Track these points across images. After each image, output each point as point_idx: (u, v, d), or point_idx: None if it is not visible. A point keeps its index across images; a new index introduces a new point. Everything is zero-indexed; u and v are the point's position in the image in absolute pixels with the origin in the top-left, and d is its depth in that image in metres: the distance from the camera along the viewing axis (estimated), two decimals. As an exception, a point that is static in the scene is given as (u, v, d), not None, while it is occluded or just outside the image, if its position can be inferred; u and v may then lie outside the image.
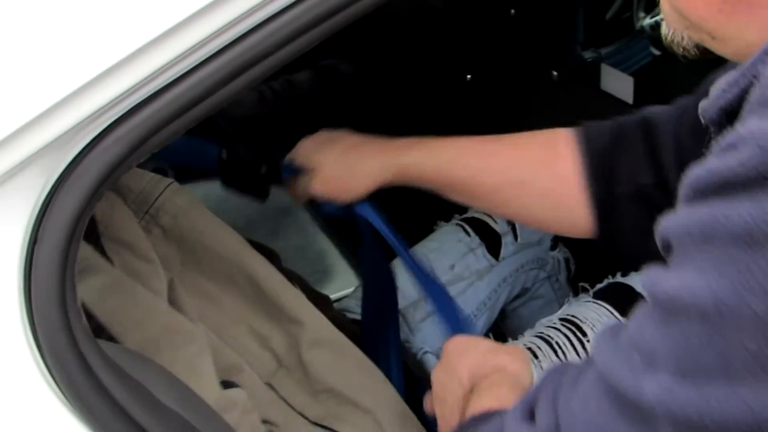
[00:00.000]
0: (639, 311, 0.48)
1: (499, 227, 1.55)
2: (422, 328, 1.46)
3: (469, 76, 1.75)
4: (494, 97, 1.73)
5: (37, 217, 0.62)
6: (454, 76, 1.77)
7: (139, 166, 1.04)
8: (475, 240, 1.54)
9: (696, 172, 0.44)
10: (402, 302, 1.46)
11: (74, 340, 0.63)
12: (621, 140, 1.04)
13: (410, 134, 1.96)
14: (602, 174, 1.04)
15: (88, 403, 0.64)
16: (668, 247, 0.46)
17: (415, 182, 1.13)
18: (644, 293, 0.47)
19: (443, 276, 1.49)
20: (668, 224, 0.46)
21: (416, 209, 1.67)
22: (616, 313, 1.33)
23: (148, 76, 0.62)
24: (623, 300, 1.36)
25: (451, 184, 1.12)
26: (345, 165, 1.13)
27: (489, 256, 1.53)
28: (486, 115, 1.79)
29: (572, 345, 1.30)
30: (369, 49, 2.00)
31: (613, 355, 0.48)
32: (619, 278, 1.42)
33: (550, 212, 1.10)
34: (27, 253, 0.62)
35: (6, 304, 0.62)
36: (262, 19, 0.66)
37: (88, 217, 0.64)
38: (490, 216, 1.57)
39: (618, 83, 1.39)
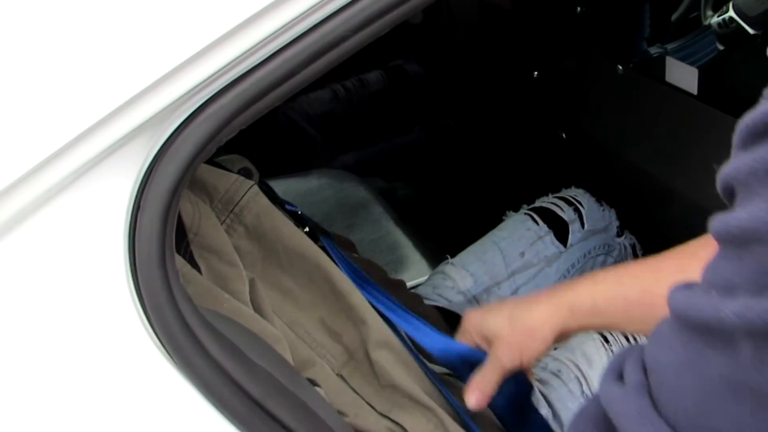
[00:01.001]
0: (708, 263, 0.51)
1: (566, 215, 1.59)
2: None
3: (536, 73, 1.79)
4: (560, 93, 1.77)
5: (139, 187, 0.69)
6: (521, 73, 1.82)
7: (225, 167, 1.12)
8: (543, 228, 1.58)
9: (750, 118, 0.47)
10: (475, 288, 1.52)
11: (173, 297, 0.70)
12: None
13: (479, 130, 2.01)
14: None
15: (185, 354, 0.71)
16: (731, 193, 0.49)
17: (589, 318, 1.04)
18: (713, 237, 0.50)
19: (514, 263, 1.55)
20: (730, 171, 0.49)
21: (485, 200, 1.73)
22: (687, 299, 1.35)
23: (234, 60, 0.69)
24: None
25: (626, 308, 1.03)
26: (520, 321, 1.05)
27: (557, 243, 1.57)
28: (553, 110, 1.83)
29: None
30: (438, 49, 2.06)
31: (689, 298, 0.51)
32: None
33: None
34: (131, 219, 0.69)
35: (113, 265, 0.70)
36: (337, 8, 0.72)
37: (185, 186, 0.71)
38: (557, 204, 1.61)
39: (683, 75, 1.41)
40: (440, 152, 2.07)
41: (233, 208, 1.09)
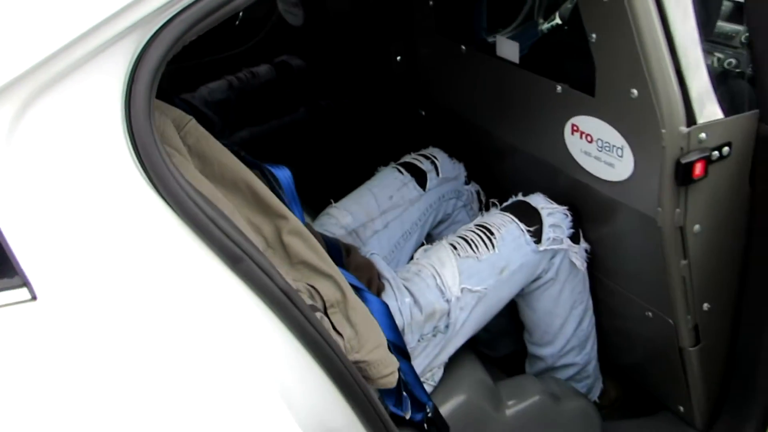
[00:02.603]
0: None
1: (425, 166, 2.01)
2: (370, 242, 1.90)
3: (399, 58, 2.20)
4: (418, 70, 2.18)
5: (133, 66, 1.03)
6: (388, 59, 2.22)
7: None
8: (407, 176, 1.99)
9: None
10: (354, 223, 1.90)
11: (155, 140, 1.04)
12: None
13: (354, 108, 2.40)
14: None
15: (163, 179, 1.04)
16: None
17: None
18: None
19: (384, 204, 1.94)
20: None
21: (361, 161, 2.12)
22: (516, 220, 1.78)
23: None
24: (522, 211, 1.80)
25: None
26: None
27: (418, 188, 1.98)
28: (413, 85, 2.23)
29: (483, 241, 1.74)
30: (317, 44, 2.46)
31: None
32: (521, 197, 1.87)
33: None
34: (127, 88, 1.03)
35: (113, 120, 1.03)
36: None
37: (163, 68, 1.05)
38: (417, 159, 2.03)
39: (507, 48, 1.84)
40: (322, 127, 2.47)
41: (179, 132, 1.39)
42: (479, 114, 2.01)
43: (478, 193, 2.10)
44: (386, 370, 1.44)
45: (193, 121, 1.41)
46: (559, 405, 1.80)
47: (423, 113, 2.24)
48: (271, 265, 1.14)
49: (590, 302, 1.90)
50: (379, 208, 1.94)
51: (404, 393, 1.51)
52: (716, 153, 1.51)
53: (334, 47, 2.40)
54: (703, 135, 1.48)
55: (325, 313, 1.42)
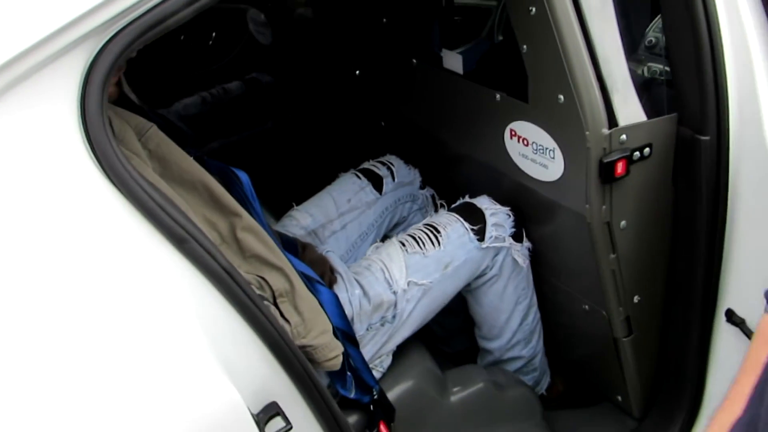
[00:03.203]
0: None
1: (381, 172, 2.14)
2: (328, 242, 2.03)
3: (357, 72, 2.34)
4: (376, 84, 2.32)
5: (87, 70, 1.16)
6: (346, 73, 2.36)
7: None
8: (364, 181, 2.13)
9: None
10: (313, 224, 2.03)
11: (107, 134, 1.17)
12: None
13: (318, 120, 2.55)
14: None
15: (117, 172, 1.17)
16: None
17: None
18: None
19: (343, 207, 2.08)
20: None
21: (323, 168, 2.25)
22: (461, 219, 1.91)
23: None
24: (468, 211, 1.94)
25: None
26: None
27: (375, 192, 2.12)
28: (370, 98, 2.36)
29: (429, 239, 1.87)
30: (284, 62, 2.60)
31: None
32: (467, 199, 2.00)
33: None
34: (82, 89, 1.16)
35: (69, 116, 1.16)
36: None
37: (113, 72, 1.18)
38: (375, 165, 2.16)
39: (452, 61, 1.98)
40: (288, 137, 2.61)
41: (141, 138, 1.50)
42: (431, 123, 2.15)
43: (432, 197, 2.23)
44: (331, 353, 1.57)
45: (154, 127, 1.53)
46: (502, 393, 1.92)
47: (383, 124, 2.37)
48: (213, 246, 1.27)
49: (534, 298, 2.02)
50: (338, 210, 2.07)
51: (348, 373, 1.63)
52: (637, 153, 1.64)
53: (300, 64, 2.54)
54: (623, 136, 1.61)
55: (275, 303, 1.54)
